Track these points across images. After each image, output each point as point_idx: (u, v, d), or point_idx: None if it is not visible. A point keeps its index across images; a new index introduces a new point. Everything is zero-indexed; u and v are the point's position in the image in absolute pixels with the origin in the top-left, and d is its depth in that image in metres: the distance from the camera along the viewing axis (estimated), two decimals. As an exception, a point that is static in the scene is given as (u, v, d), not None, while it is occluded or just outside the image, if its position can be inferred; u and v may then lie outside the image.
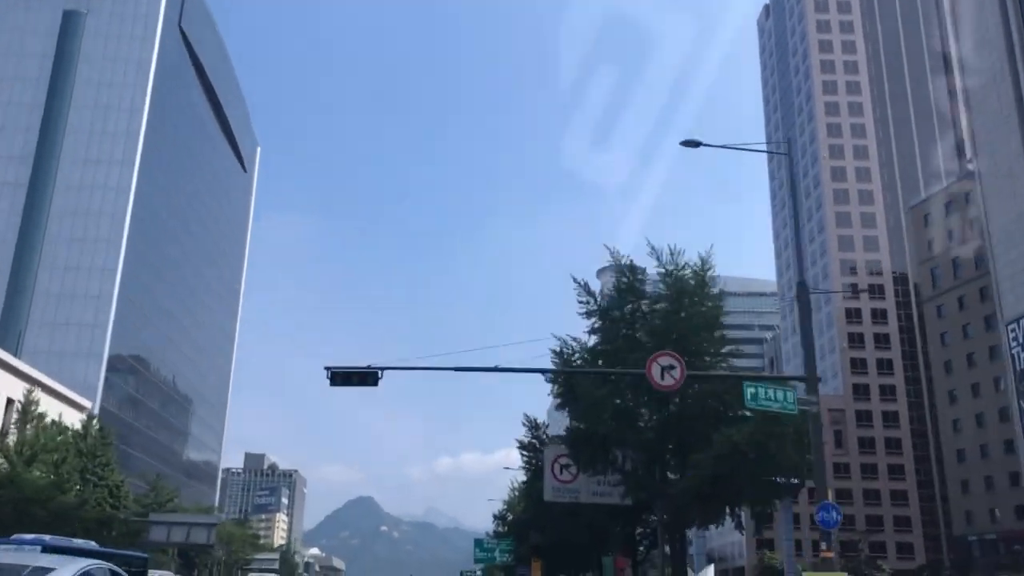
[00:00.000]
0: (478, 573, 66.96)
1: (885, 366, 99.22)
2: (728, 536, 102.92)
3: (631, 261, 24.62)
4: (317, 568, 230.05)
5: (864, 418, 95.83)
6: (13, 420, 50.28)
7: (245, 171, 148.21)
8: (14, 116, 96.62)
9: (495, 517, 64.39)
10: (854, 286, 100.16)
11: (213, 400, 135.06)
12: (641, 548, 31.28)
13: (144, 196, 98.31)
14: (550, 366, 23.69)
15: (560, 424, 48.79)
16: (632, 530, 29.67)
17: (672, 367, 16.55)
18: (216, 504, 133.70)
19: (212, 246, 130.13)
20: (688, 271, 23.28)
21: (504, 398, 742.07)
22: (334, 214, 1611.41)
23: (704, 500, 20.21)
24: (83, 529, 40.73)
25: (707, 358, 22.55)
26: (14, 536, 17.74)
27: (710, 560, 75.14)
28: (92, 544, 15.13)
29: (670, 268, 23.36)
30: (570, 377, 23.43)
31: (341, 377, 16.73)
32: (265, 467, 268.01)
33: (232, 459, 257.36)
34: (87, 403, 68.14)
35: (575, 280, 24.59)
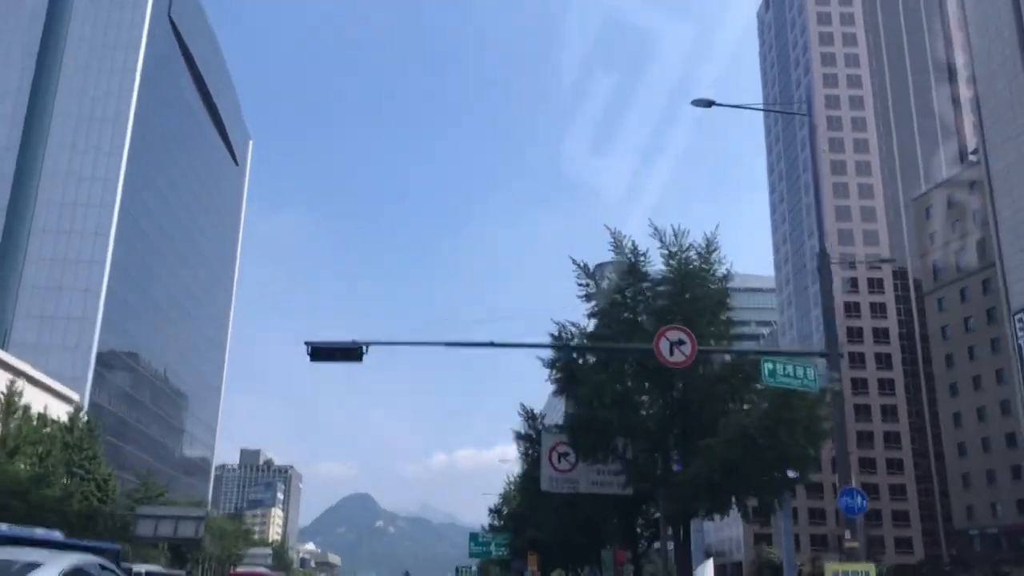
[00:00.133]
0: (474, 568, 65.80)
1: (884, 360, 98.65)
2: (726, 531, 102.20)
3: (633, 243, 23.53)
4: (313, 563, 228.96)
5: (863, 412, 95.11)
6: (-4, 412, 49.04)
7: (237, 164, 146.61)
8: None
9: (491, 511, 63.17)
10: (854, 280, 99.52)
11: (206, 395, 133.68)
12: (642, 541, 30.24)
13: (133, 186, 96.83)
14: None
15: (557, 416, 47.72)
16: (632, 522, 28.62)
17: (682, 342, 15.40)
18: (210, 499, 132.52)
19: (203, 239, 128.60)
20: (693, 252, 22.18)
21: (500, 394, 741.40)
22: (331, 211, 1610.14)
23: (711, 489, 19.16)
24: (66, 523, 39.60)
25: (713, 342, 21.46)
26: None
27: (707, 555, 74.23)
28: (56, 534, 13.94)
29: (674, 249, 22.26)
30: (570, 362, 22.38)
31: (324, 353, 15.63)
32: (260, 463, 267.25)
33: (228, 456, 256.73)
34: (74, 395, 66.97)
35: (574, 262, 23.46)
